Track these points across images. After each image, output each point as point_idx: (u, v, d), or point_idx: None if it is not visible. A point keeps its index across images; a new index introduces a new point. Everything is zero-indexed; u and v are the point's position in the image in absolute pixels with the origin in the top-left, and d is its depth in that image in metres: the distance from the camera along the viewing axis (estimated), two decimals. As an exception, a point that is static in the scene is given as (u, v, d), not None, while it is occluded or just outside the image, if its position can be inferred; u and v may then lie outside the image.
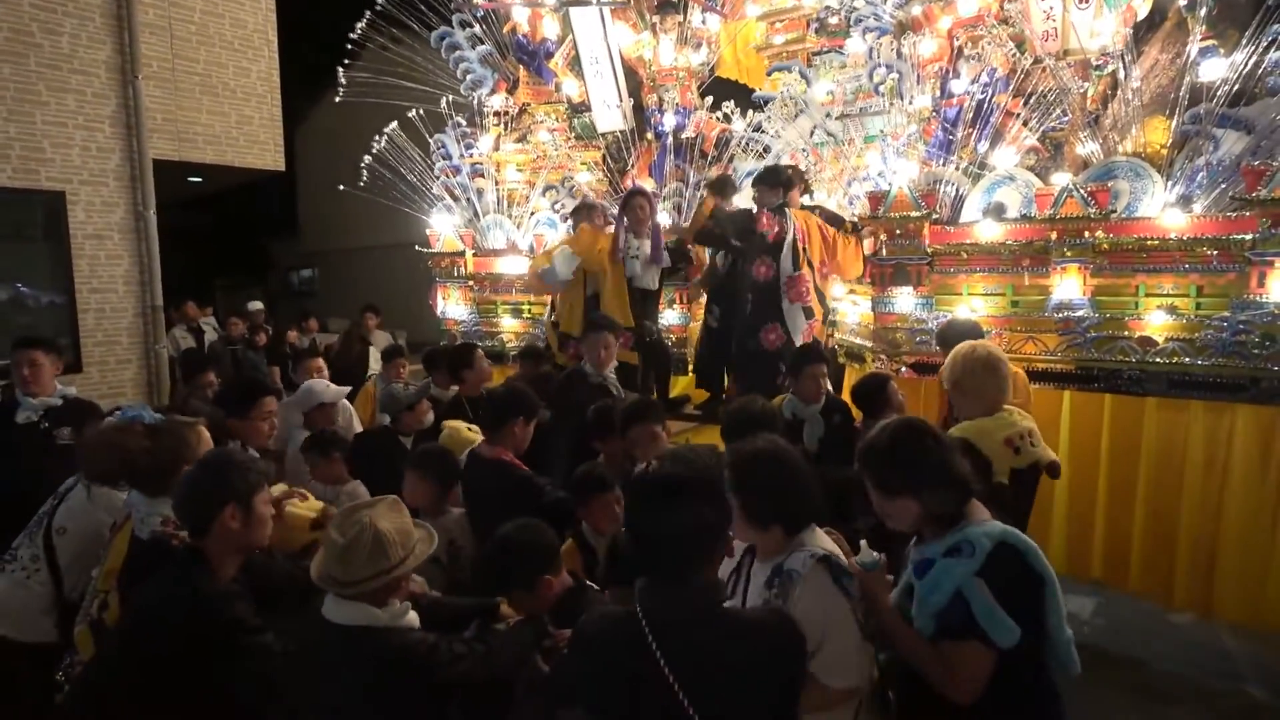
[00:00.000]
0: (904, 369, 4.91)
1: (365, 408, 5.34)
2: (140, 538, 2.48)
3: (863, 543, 2.09)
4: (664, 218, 6.22)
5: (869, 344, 5.15)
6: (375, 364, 7.14)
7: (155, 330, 8.47)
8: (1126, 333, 4.29)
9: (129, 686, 2.06)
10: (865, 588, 1.98)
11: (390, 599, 2.02)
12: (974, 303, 4.77)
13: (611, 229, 5.43)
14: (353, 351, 7.89)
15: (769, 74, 6.81)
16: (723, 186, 5.48)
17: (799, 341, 4.81)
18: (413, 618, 2.08)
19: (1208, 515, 4.02)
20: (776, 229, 4.81)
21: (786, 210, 4.96)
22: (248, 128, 9.48)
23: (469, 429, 3.65)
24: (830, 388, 3.99)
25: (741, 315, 5.05)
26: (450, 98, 7.20)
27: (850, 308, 5.56)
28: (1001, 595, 1.82)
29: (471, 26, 7.27)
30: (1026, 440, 2.79)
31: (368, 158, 7.11)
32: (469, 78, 7.28)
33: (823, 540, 2.10)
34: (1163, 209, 4.25)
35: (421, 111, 7.10)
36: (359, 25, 7.33)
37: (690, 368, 5.99)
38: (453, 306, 7.19)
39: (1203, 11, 4.19)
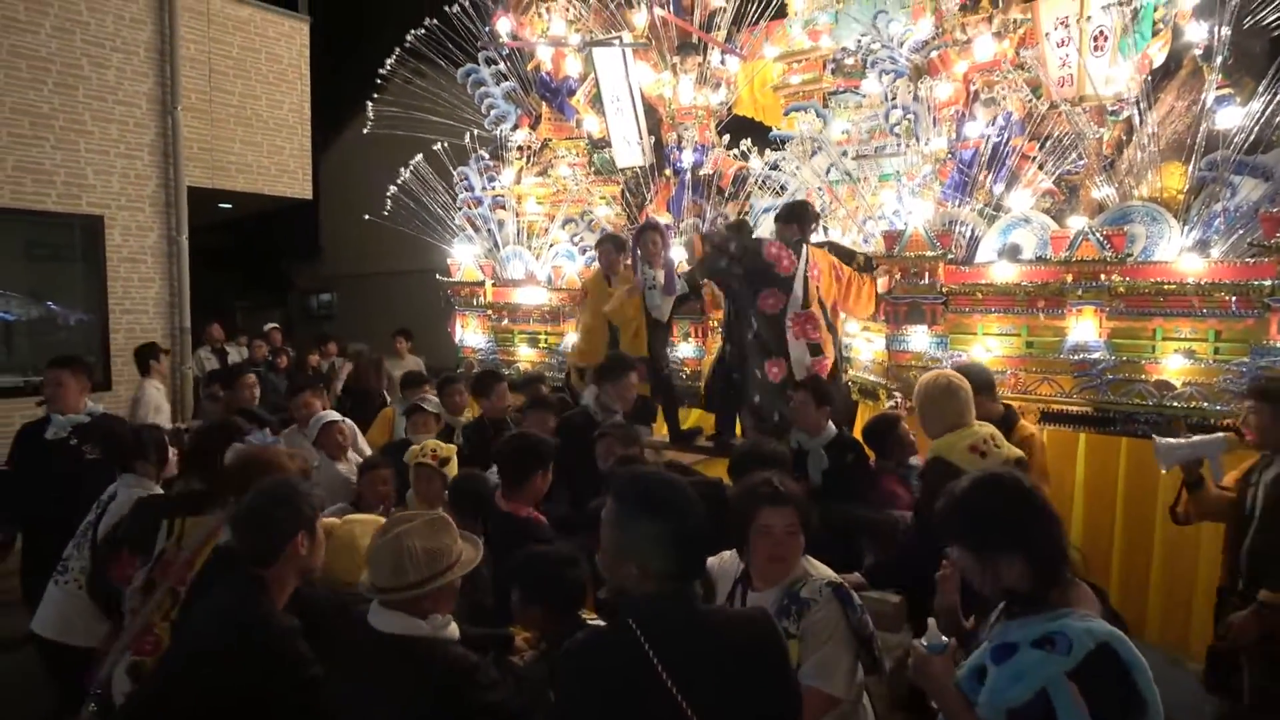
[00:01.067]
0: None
1: (382, 431, 5.42)
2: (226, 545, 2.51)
3: (931, 622, 1.89)
4: (680, 252, 6.30)
5: (883, 381, 5.16)
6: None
7: (183, 351, 8.67)
8: (1143, 376, 4.28)
9: (184, 712, 2.09)
10: (929, 670, 1.77)
11: (432, 612, 2.04)
12: (989, 342, 4.78)
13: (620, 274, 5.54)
14: (368, 381, 7.83)
15: (786, 113, 6.91)
16: (739, 229, 5.50)
17: (799, 373, 4.81)
18: (453, 631, 2.09)
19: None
20: (786, 261, 4.83)
21: (804, 246, 4.96)
22: (278, 157, 9.76)
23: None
24: (832, 423, 3.98)
25: (745, 344, 5.04)
26: (474, 131, 7.39)
27: (864, 345, 5.58)
28: (1094, 707, 1.55)
29: (496, 63, 7.47)
30: (990, 444, 2.90)
31: (393, 187, 7.28)
32: (493, 113, 7.46)
33: (824, 568, 2.13)
34: (1179, 253, 4.25)
35: (446, 144, 7.28)
36: (388, 61, 7.55)
37: (704, 407, 5.99)
38: (471, 335, 7.30)
39: (1218, 60, 4.23)
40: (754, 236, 5.30)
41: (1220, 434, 3.32)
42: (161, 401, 6.30)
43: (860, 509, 3.59)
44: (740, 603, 2.13)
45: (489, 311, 7.18)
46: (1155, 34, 4.84)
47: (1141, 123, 4.49)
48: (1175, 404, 4.15)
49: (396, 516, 2.17)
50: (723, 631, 1.66)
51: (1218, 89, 4.26)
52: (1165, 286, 4.21)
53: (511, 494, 3.17)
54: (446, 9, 7.35)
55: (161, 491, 3.29)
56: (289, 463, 2.69)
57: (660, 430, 5.59)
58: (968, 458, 2.83)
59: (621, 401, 4.28)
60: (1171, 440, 3.35)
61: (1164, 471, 3.48)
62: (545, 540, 3.02)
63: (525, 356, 7.02)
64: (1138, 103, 4.52)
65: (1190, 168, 4.31)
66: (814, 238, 5.48)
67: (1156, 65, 4.74)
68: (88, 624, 3.04)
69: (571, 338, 5.52)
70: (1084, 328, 4.41)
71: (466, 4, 7.35)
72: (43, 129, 7.69)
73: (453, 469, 3.69)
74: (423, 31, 7.37)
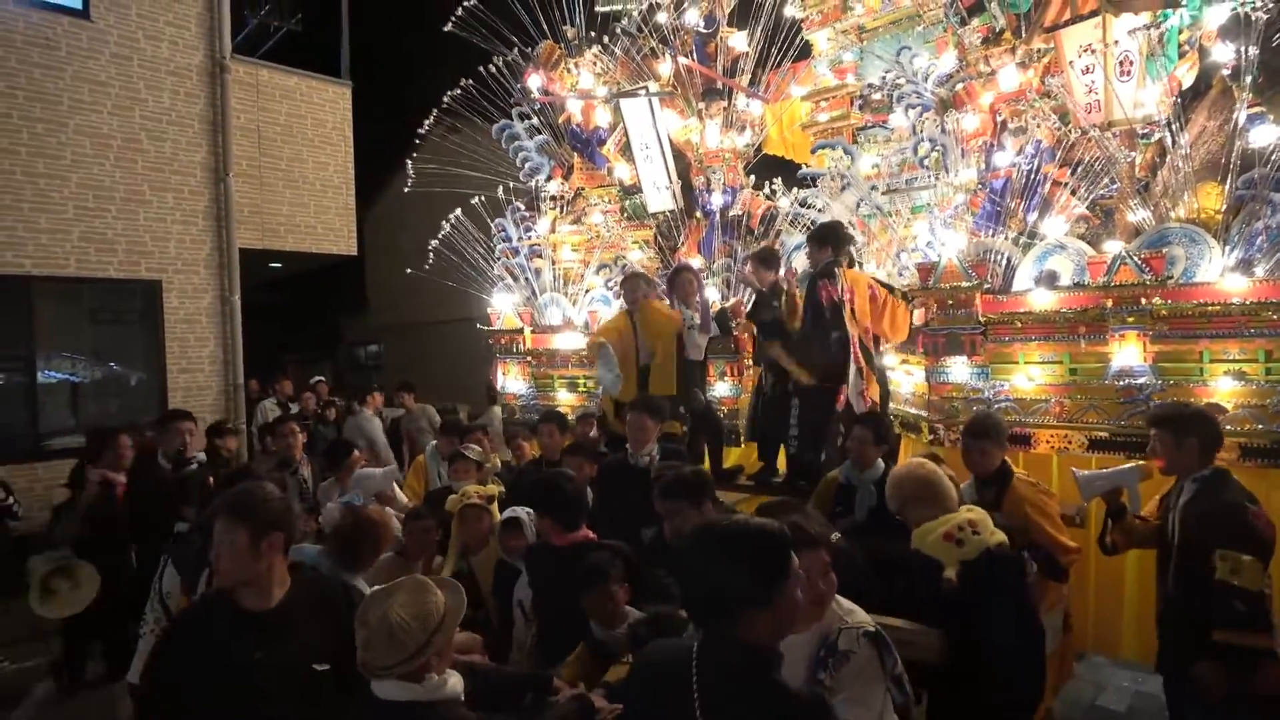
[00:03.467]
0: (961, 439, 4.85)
1: (418, 478, 5.55)
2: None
3: None
4: (713, 292, 6.37)
5: (924, 414, 5.12)
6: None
7: (236, 407, 8.97)
8: (1193, 400, 4.18)
9: None
10: None
11: (427, 674, 2.06)
12: (1031, 371, 4.72)
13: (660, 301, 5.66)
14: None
15: (814, 151, 7.00)
16: (766, 259, 5.59)
17: (855, 401, 4.81)
18: (454, 687, 2.11)
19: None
20: (831, 292, 4.87)
21: (836, 271, 4.96)
22: (325, 217, 10.15)
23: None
24: (881, 460, 3.96)
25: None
26: (510, 184, 7.62)
27: (904, 378, 5.55)
28: None
29: (529, 118, 7.73)
30: (967, 530, 2.73)
31: (434, 241, 7.53)
32: (527, 165, 7.71)
33: (857, 610, 2.13)
34: (1222, 274, 4.18)
35: (483, 197, 7.52)
36: (427, 121, 7.87)
37: (743, 438, 6.02)
38: (512, 381, 7.43)
39: (1248, 80, 4.20)
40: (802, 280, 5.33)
41: (1135, 464, 3.44)
42: None
43: (899, 545, 3.55)
44: None
45: (529, 358, 7.32)
46: (1182, 56, 4.83)
47: (1174, 144, 4.46)
48: (1229, 428, 4.03)
49: (374, 593, 2.15)
50: (778, 705, 1.65)
51: (1249, 108, 4.22)
52: (1209, 308, 4.13)
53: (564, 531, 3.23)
54: (481, 69, 7.67)
55: None
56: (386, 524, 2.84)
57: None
58: (943, 548, 2.71)
59: (631, 443, 4.36)
60: (1089, 473, 3.51)
61: (1085, 504, 3.59)
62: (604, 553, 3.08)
63: (565, 401, 7.11)
64: (1169, 124, 4.49)
65: (1227, 187, 4.26)
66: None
67: (1186, 86, 4.72)
68: None
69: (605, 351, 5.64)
70: (1128, 352, 4.33)
71: (499, 63, 7.65)
72: (105, 201, 8.14)
73: (496, 510, 3.76)
74: (458, 91, 7.69)
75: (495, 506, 3.85)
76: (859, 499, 3.84)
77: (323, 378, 10.65)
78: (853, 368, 4.83)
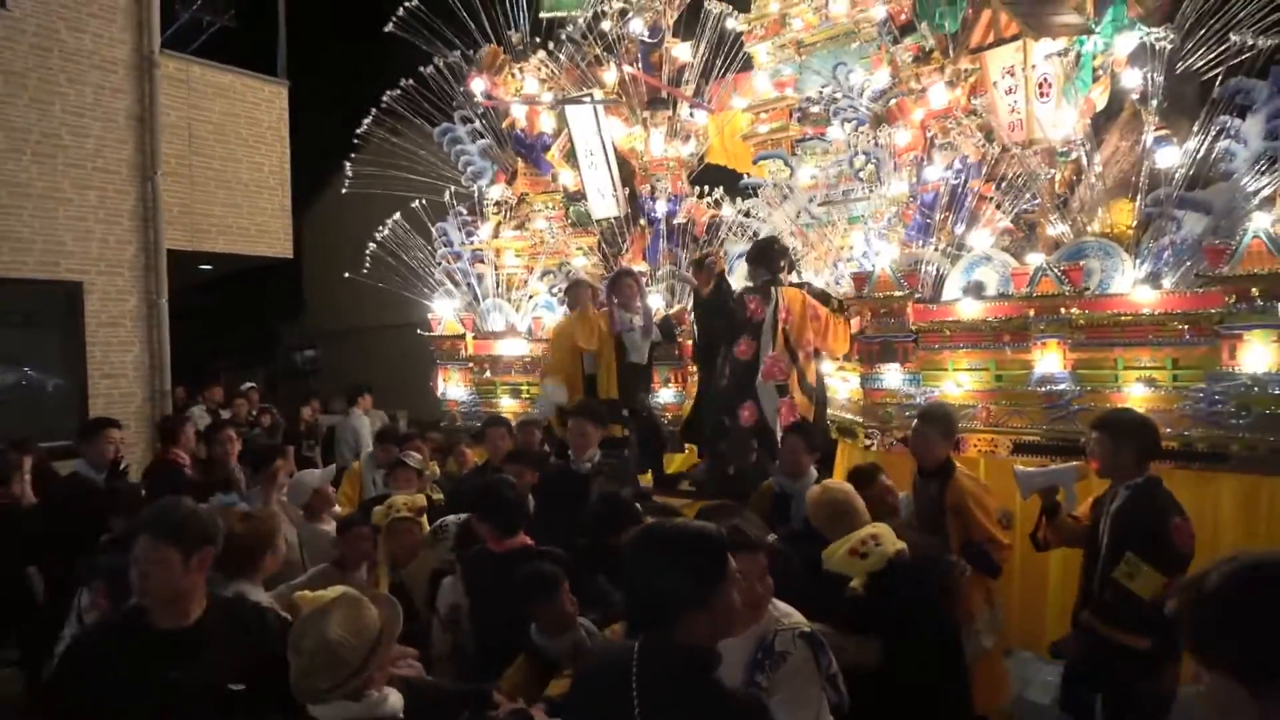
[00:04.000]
0: (895, 443, 5.01)
1: (353, 486, 5.45)
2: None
3: None
4: (657, 299, 6.44)
5: (860, 419, 5.27)
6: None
7: (162, 414, 8.61)
8: (1109, 405, 4.40)
9: None
10: None
11: (367, 691, 2.03)
12: (959, 378, 4.91)
13: (599, 309, 5.75)
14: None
15: (755, 161, 7.14)
16: (700, 266, 5.68)
17: (771, 418, 4.93)
18: (393, 705, 2.07)
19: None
20: (754, 306, 4.99)
21: (773, 289, 5.09)
22: (259, 218, 9.88)
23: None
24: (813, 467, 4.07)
25: (718, 390, 5.16)
26: (452, 188, 7.56)
27: (840, 384, 5.71)
28: None
29: (472, 121, 7.69)
30: (870, 543, 2.85)
31: (372, 245, 7.41)
32: (470, 169, 7.65)
33: (794, 613, 2.19)
34: (1133, 286, 4.43)
35: (424, 201, 7.43)
36: (365, 121, 7.74)
37: (680, 434, 6.06)
38: (453, 388, 7.36)
39: (1154, 104, 4.48)
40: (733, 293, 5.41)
41: (1073, 463, 3.58)
42: None
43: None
44: None
45: (471, 364, 7.25)
46: (1096, 80, 5.10)
47: (1089, 163, 4.72)
48: (1139, 431, 4.28)
49: (307, 616, 2.08)
50: (717, 705, 1.69)
51: (1155, 131, 4.50)
52: (1122, 318, 4.37)
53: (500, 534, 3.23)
54: (422, 70, 7.59)
55: None
56: (240, 526, 2.72)
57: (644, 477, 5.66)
58: (848, 562, 2.82)
59: (573, 448, 4.44)
60: (1029, 470, 3.65)
61: (1023, 499, 3.69)
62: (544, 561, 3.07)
63: (508, 408, 7.07)
64: (1084, 144, 4.75)
65: (1137, 204, 4.53)
66: (791, 279, 5.66)
67: (1099, 109, 5.00)
68: None
69: (551, 386, 5.63)
70: (1049, 360, 4.55)
71: (442, 65, 7.58)
72: (20, 198, 7.76)
73: (425, 521, 3.71)
74: (398, 92, 7.59)
75: (425, 518, 3.79)
76: (794, 506, 3.91)
77: (254, 384, 10.32)
78: (770, 384, 4.92)
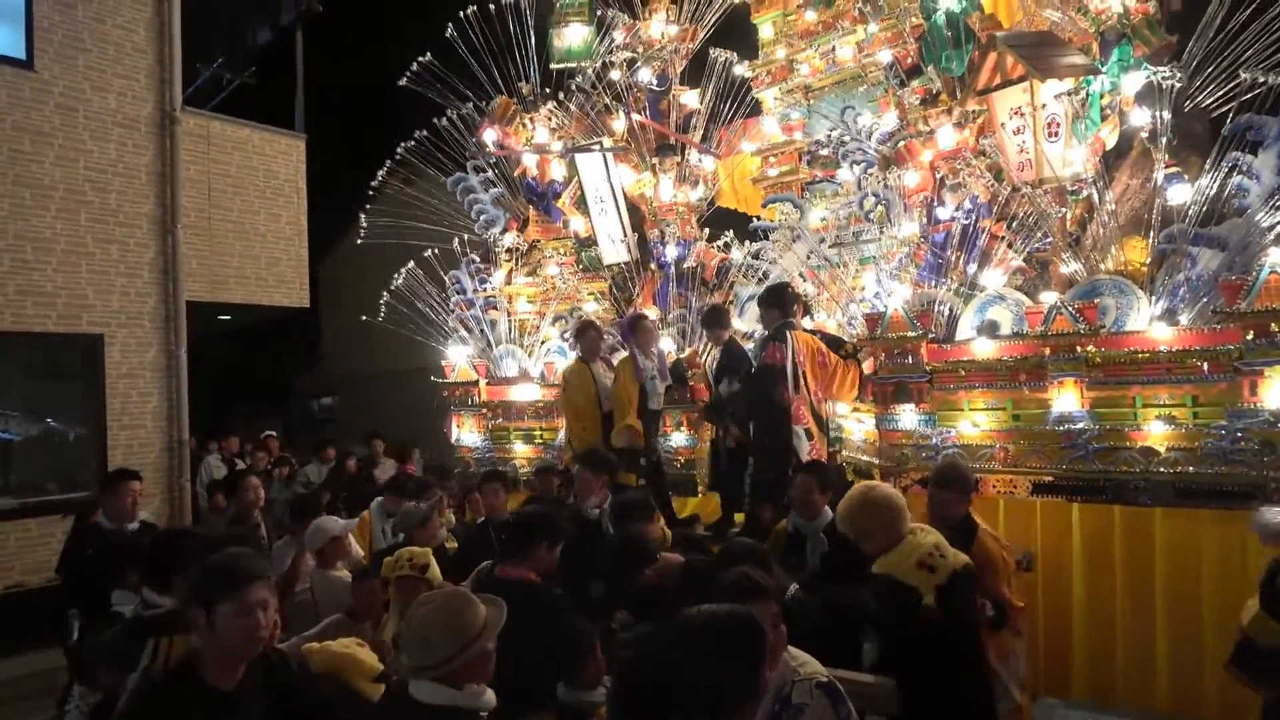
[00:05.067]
0: (912, 485, 4.94)
1: (363, 535, 5.42)
2: None
3: None
4: (668, 344, 6.45)
5: (876, 460, 5.21)
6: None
7: (180, 464, 8.66)
8: (1128, 443, 4.34)
9: None
10: None
11: (469, 682, 2.14)
12: (976, 418, 4.86)
13: (598, 357, 5.81)
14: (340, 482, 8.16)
15: (765, 204, 7.21)
16: (716, 318, 5.63)
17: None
18: (489, 700, 2.19)
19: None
20: (779, 355, 4.96)
21: (787, 333, 5.06)
22: (276, 269, 10.02)
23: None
24: (828, 507, 4.00)
25: (764, 448, 5.05)
26: (465, 236, 7.66)
27: (855, 425, 5.65)
28: None
29: (485, 171, 7.82)
30: (936, 555, 2.80)
31: (386, 294, 7.49)
32: (482, 218, 7.77)
33: (811, 661, 2.14)
34: (1150, 323, 4.39)
35: (437, 250, 7.53)
36: (380, 173, 7.90)
37: (708, 488, 6.00)
38: (467, 434, 7.36)
39: (1163, 142, 4.49)
40: (748, 355, 5.37)
41: None
42: None
43: (856, 592, 3.58)
44: None
45: (484, 410, 7.26)
46: (1104, 119, 5.14)
47: (1100, 201, 4.72)
48: (1162, 470, 4.20)
49: (421, 598, 2.28)
50: None
51: (1166, 168, 4.50)
52: (1139, 355, 4.33)
53: (513, 563, 3.20)
54: (435, 122, 7.76)
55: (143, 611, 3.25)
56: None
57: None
58: (918, 575, 2.75)
59: (580, 496, 4.41)
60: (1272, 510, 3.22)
61: (1262, 546, 3.32)
62: (548, 599, 3.06)
63: (521, 453, 7.06)
64: (1095, 182, 4.76)
65: (1150, 241, 4.51)
66: (805, 323, 5.65)
67: (1109, 147, 5.01)
68: None
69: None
70: (1066, 399, 4.50)
71: (454, 117, 7.75)
72: (45, 253, 7.91)
73: (435, 574, 3.69)
74: (413, 143, 7.75)
75: (434, 568, 3.74)
76: (810, 547, 3.83)
77: (273, 432, 10.37)
78: (800, 429, 4.89)
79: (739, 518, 5.41)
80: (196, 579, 2.17)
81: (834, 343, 5.33)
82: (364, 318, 8.08)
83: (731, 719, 1.60)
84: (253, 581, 2.14)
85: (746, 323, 6.37)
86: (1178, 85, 4.50)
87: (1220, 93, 4.51)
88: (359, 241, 8.13)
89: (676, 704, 1.59)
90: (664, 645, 1.68)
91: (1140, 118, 4.80)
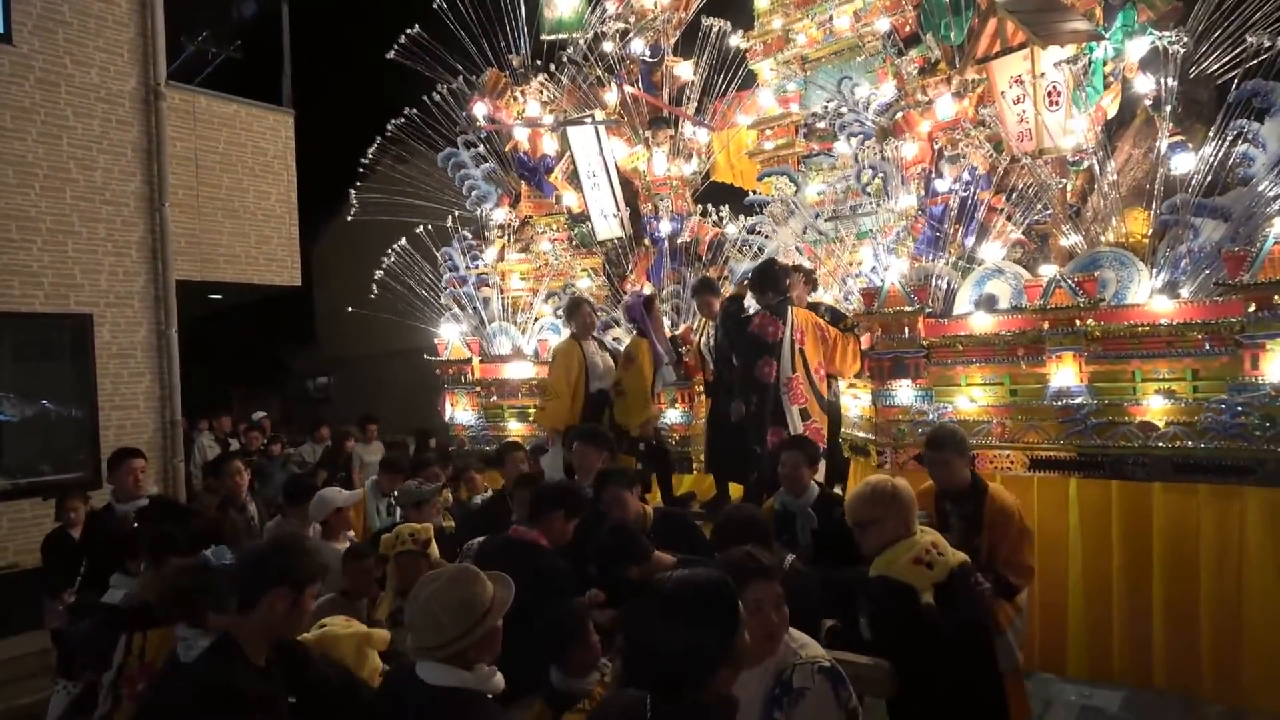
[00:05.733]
0: (909, 460, 4.89)
1: (357, 515, 5.39)
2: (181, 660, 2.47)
3: None
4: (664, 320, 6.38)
5: (872, 437, 5.16)
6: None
7: (173, 445, 8.61)
8: (1127, 418, 4.29)
9: None
10: None
11: (479, 661, 2.11)
12: (973, 393, 4.80)
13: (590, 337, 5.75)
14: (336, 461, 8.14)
15: (760, 178, 7.09)
16: (705, 286, 5.57)
17: None
18: (498, 681, 2.16)
19: (1227, 601, 3.91)
20: (772, 329, 4.87)
21: (786, 309, 4.97)
22: (266, 247, 9.91)
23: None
24: (814, 482, 3.96)
25: (746, 417, 4.99)
26: (456, 213, 7.54)
27: (851, 401, 5.59)
28: None
29: (475, 146, 7.68)
30: (934, 552, 2.69)
31: (379, 272, 7.40)
32: (474, 194, 7.64)
33: (811, 643, 2.09)
34: (1150, 296, 4.32)
35: (429, 226, 7.42)
36: (370, 149, 7.76)
37: (705, 467, 5.95)
38: (460, 412, 7.30)
39: (1168, 109, 4.38)
40: (742, 315, 5.22)
41: None
42: None
43: (852, 570, 3.53)
44: None
45: (477, 388, 7.20)
46: (1107, 87, 5.03)
47: (1102, 171, 4.62)
48: (1160, 444, 4.16)
49: (425, 577, 2.23)
50: None
51: (1170, 137, 4.40)
52: (1139, 329, 4.26)
53: (529, 525, 3.26)
54: (426, 98, 7.61)
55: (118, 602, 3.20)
56: None
57: (654, 497, 5.56)
58: (914, 572, 2.65)
59: (580, 471, 4.36)
60: None
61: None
62: (548, 566, 3.06)
63: (515, 431, 7.00)
64: (1096, 153, 4.65)
65: (1152, 212, 4.42)
66: (813, 295, 5.58)
67: (1111, 116, 4.91)
68: None
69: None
70: (1064, 373, 4.44)
71: (445, 91, 7.60)
72: (30, 232, 7.79)
73: (434, 550, 3.65)
74: (403, 120, 7.61)
75: (434, 546, 3.72)
76: (799, 524, 3.78)
77: (265, 413, 10.31)
78: (795, 409, 4.83)
79: (736, 492, 5.38)
80: (290, 561, 2.29)
81: (836, 317, 5.26)
82: (350, 309, 8.00)
83: (706, 683, 1.63)
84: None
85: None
86: (1183, 51, 4.38)
87: (1226, 58, 4.40)
88: (349, 219, 8.01)
89: (653, 668, 1.68)
90: (640, 612, 1.77)
91: (1144, 85, 4.68)
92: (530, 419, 6.95)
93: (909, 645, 2.59)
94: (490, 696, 2.16)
